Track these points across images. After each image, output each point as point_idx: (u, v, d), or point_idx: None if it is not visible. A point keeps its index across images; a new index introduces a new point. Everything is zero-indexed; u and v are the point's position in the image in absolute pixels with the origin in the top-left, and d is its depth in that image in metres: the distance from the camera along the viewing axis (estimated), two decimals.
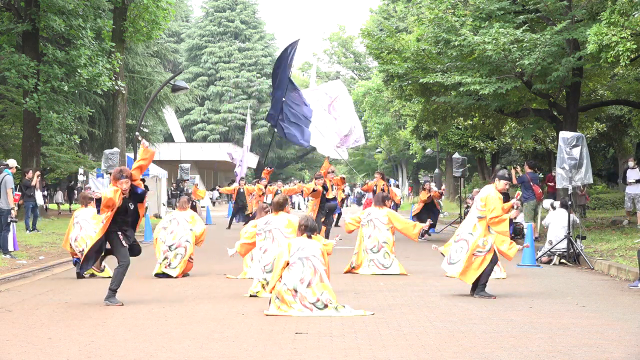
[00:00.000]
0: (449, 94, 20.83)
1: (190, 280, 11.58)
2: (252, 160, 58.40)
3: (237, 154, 34.65)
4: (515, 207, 9.86)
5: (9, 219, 13.95)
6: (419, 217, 20.00)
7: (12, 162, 14.91)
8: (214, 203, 48.86)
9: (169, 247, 12.02)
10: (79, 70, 21.99)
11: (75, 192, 39.02)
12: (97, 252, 9.29)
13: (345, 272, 12.26)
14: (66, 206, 36.26)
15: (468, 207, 21.67)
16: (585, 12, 17.97)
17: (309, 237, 8.65)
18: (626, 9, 14.84)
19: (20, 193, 17.76)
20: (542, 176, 32.81)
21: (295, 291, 8.31)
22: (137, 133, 17.82)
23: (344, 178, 18.27)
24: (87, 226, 12.10)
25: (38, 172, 20.66)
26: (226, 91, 66.48)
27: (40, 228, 20.31)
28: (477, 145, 34.39)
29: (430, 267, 13.19)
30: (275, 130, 19.03)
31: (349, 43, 71.46)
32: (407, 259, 14.18)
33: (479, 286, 9.58)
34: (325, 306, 8.27)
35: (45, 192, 33.41)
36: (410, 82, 20.97)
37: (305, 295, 8.29)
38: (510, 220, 9.88)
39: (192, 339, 6.92)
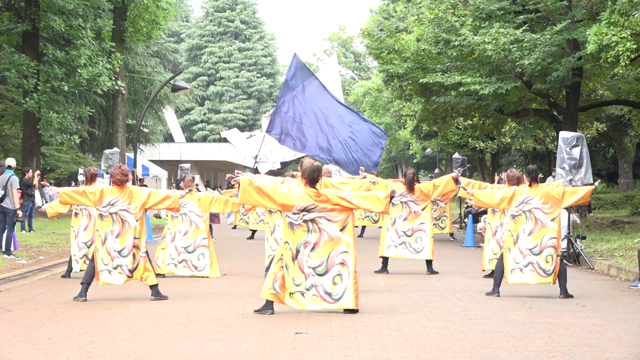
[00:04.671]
0: (449, 94, 20.84)
1: (190, 280, 11.58)
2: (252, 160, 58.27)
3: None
4: None
5: (14, 219, 13.98)
6: None
7: (12, 162, 14.87)
8: None
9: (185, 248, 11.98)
10: (79, 70, 21.99)
11: None
12: None
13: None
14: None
15: (468, 207, 21.63)
16: (585, 12, 17.98)
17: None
18: (626, 9, 14.84)
19: (21, 192, 17.76)
20: (542, 176, 32.82)
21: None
22: None
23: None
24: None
25: (38, 172, 20.65)
26: (226, 91, 66.45)
27: (40, 228, 20.30)
28: (477, 145, 34.41)
29: None
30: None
31: (349, 43, 71.42)
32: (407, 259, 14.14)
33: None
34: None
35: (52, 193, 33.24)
36: (410, 82, 20.99)
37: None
38: None
39: (192, 339, 6.92)
